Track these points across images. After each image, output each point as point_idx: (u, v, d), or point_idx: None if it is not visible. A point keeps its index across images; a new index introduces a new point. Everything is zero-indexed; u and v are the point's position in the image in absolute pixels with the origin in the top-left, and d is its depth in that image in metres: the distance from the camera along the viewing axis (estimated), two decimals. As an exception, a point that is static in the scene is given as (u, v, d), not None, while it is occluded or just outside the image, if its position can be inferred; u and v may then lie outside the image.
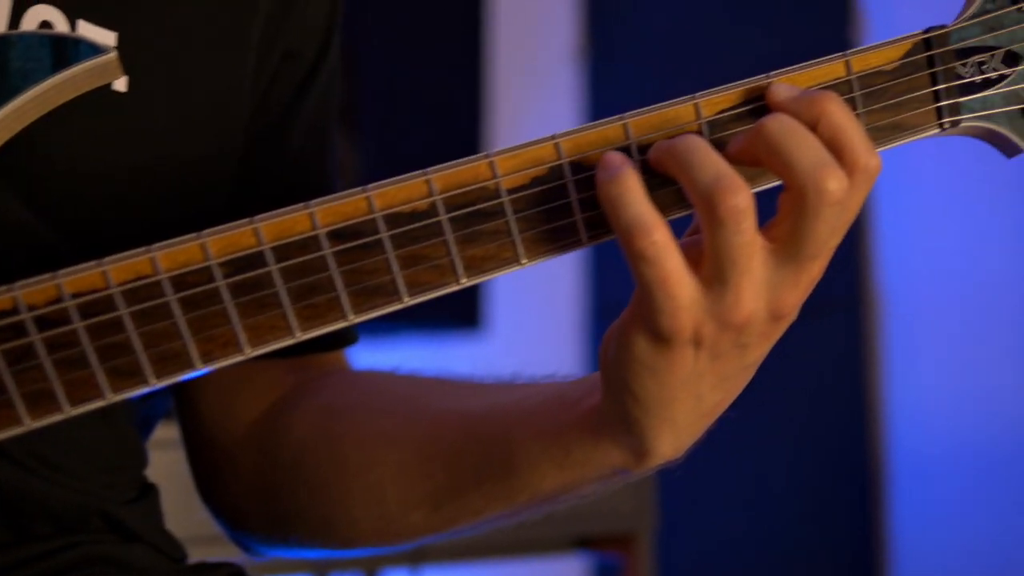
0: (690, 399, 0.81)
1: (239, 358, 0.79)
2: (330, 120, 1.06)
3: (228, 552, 1.09)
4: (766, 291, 0.78)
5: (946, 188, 3.63)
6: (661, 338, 0.78)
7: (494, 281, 3.18)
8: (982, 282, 3.59)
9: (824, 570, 3.67)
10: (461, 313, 3.07)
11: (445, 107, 3.18)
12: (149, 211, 0.91)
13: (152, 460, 1.03)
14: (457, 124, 3.13)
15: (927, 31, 0.83)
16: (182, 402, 1.05)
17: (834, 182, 0.76)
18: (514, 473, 0.88)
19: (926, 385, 3.66)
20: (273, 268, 0.78)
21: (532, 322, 3.21)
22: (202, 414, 1.04)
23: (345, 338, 1.06)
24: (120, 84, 0.91)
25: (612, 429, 0.83)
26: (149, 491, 1.01)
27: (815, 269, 0.79)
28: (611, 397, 0.82)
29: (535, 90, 3.52)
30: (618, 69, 3.57)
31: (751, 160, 0.79)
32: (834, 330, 3.67)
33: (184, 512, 1.13)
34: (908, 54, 0.83)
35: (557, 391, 0.88)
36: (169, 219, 0.85)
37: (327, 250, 0.79)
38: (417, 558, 2.22)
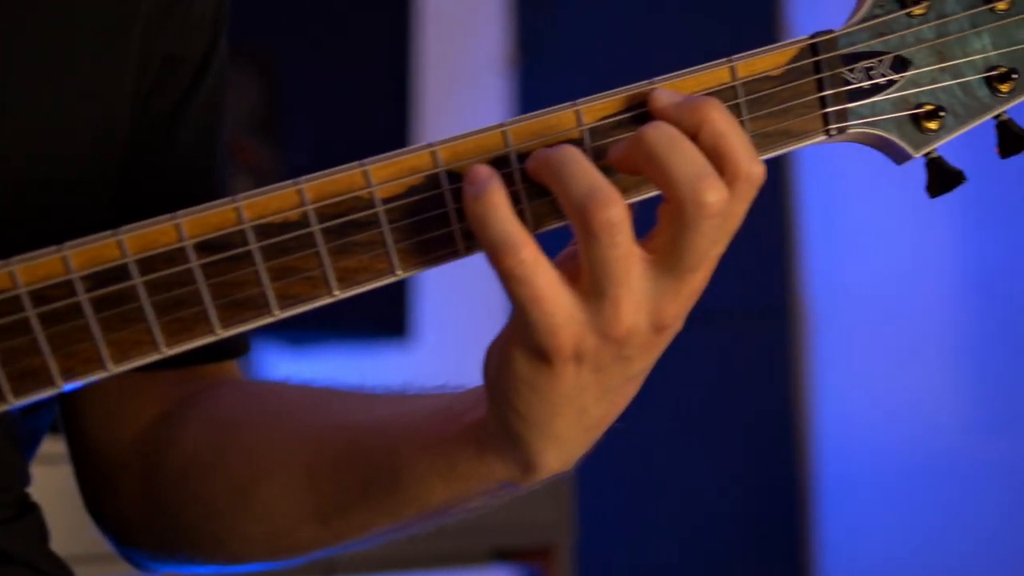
0: (574, 413, 0.79)
1: (102, 374, 0.76)
2: (218, 124, 1.04)
3: (120, 570, 1.06)
4: (646, 303, 0.76)
5: (872, 198, 3.65)
6: (540, 355, 0.76)
7: (423, 290, 3.18)
8: (907, 292, 3.61)
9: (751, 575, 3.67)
10: (389, 323, 3.06)
11: (371, 113, 3.16)
12: (24, 219, 0.88)
13: (43, 475, 1.00)
14: (383, 130, 3.11)
15: (814, 36, 0.82)
16: (67, 414, 1.02)
17: (713, 194, 0.74)
18: (400, 487, 0.86)
19: (852, 394, 3.68)
20: (137, 281, 0.75)
21: (460, 331, 3.19)
22: (87, 426, 1.01)
23: (235, 348, 1.04)
24: None
25: (497, 443, 0.81)
26: (29, 510, 0.98)
27: (697, 280, 0.77)
28: (495, 412, 0.80)
29: (464, 96, 3.51)
30: (548, 75, 3.56)
31: (631, 169, 0.77)
32: (760, 340, 3.67)
33: (76, 529, 1.10)
34: (795, 59, 0.81)
35: (444, 403, 0.86)
36: (45, 228, 0.82)
37: (194, 262, 0.76)
38: (330, 569, 2.19)
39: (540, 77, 3.57)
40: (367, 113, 3.15)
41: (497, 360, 0.78)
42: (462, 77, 3.52)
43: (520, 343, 0.76)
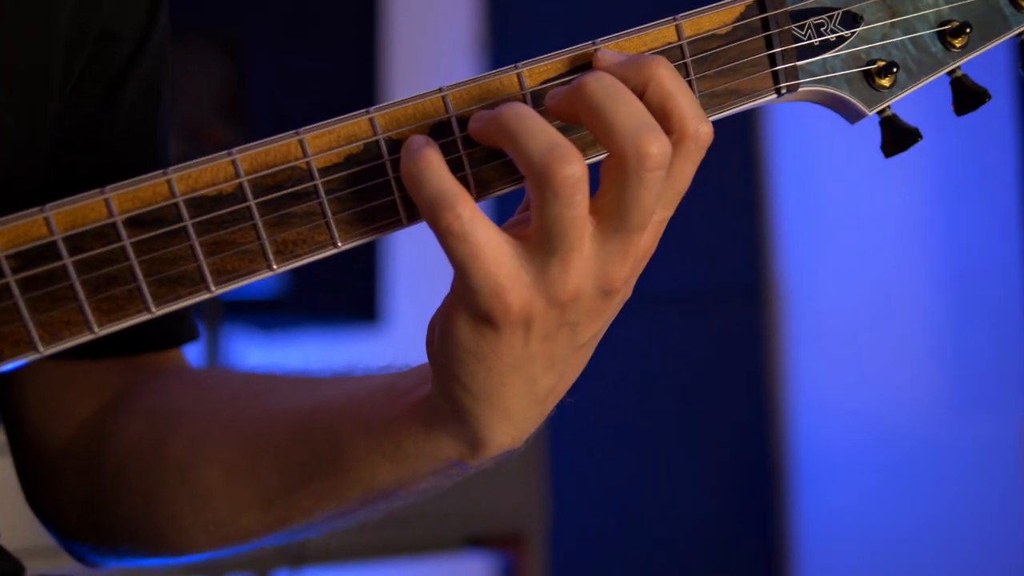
0: (522, 384, 0.76)
1: (33, 356, 0.73)
2: (159, 100, 1.01)
3: (70, 564, 1.04)
4: (594, 266, 0.74)
5: (847, 181, 3.64)
6: (484, 320, 0.74)
7: (392, 275, 3.17)
8: (882, 275, 3.60)
9: (725, 562, 3.66)
10: (360, 307, 3.04)
11: (339, 95, 3.14)
12: None
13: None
14: (352, 111, 3.09)
15: None
16: (6, 405, 0.99)
17: (656, 146, 0.71)
18: (343, 469, 0.83)
19: (826, 377, 3.67)
20: (67, 261, 0.73)
21: (430, 315, 3.18)
22: (27, 418, 0.98)
23: (179, 336, 1.01)
24: None
25: (443, 420, 0.78)
26: None
27: (645, 241, 0.75)
28: (440, 386, 0.77)
29: (434, 78, 3.48)
30: (518, 57, 3.54)
31: (568, 117, 0.74)
32: (735, 322, 3.66)
33: (26, 524, 1.08)
34: (742, 17, 0.79)
35: (387, 382, 0.83)
36: None
37: (125, 239, 0.73)
38: (300, 559, 2.18)
39: (510, 59, 3.55)
40: (335, 95, 3.13)
41: (439, 330, 0.76)
42: (432, 59, 3.50)
43: (463, 309, 0.74)
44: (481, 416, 0.77)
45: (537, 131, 0.72)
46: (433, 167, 0.72)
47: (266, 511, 0.88)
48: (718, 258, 3.66)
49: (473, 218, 0.71)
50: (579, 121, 0.74)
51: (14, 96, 0.91)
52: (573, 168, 0.71)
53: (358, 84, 3.18)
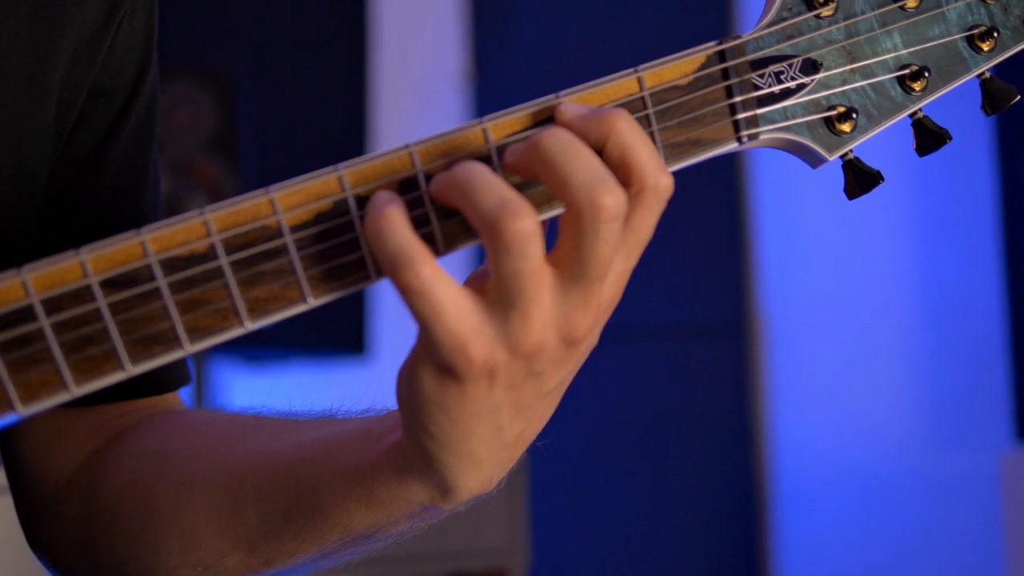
0: (488, 432, 0.77)
1: (12, 416, 0.75)
2: (146, 154, 1.02)
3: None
4: (556, 316, 0.75)
5: (826, 214, 3.66)
6: (447, 373, 0.75)
7: (378, 307, 3.18)
8: (862, 306, 3.62)
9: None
10: (346, 339, 3.05)
11: (328, 130, 3.15)
12: None
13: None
14: (340, 147, 3.10)
15: (720, 42, 0.80)
16: (6, 451, 1.01)
17: (610, 198, 0.72)
18: (322, 513, 0.85)
19: (807, 407, 3.68)
20: (44, 323, 0.74)
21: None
22: (24, 461, 1.00)
23: (171, 382, 1.03)
24: None
25: (414, 466, 0.80)
26: None
27: (606, 291, 0.76)
28: (409, 434, 0.79)
29: (421, 113, 3.50)
30: (503, 90, 3.55)
31: (527, 173, 0.75)
32: (717, 354, 3.68)
33: (23, 559, 1.09)
34: (702, 67, 0.80)
35: (364, 427, 0.85)
36: None
37: (100, 300, 0.74)
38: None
39: (495, 92, 3.56)
40: (324, 131, 3.15)
41: (406, 382, 0.77)
42: (418, 94, 3.51)
43: (427, 361, 0.75)
44: (449, 464, 0.78)
45: (489, 188, 0.73)
46: (394, 225, 0.73)
47: (250, 553, 0.90)
48: (701, 291, 3.68)
49: (432, 276, 0.73)
50: (536, 176, 0.75)
51: (9, 154, 0.92)
52: (523, 223, 0.72)
53: (346, 119, 3.19)
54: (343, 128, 3.17)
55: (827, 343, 3.66)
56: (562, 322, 0.75)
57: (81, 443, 1.00)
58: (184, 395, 1.07)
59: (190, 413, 1.02)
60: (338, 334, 3.06)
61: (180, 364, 1.04)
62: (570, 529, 3.54)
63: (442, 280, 0.73)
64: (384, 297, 3.21)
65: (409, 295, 0.73)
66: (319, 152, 3.00)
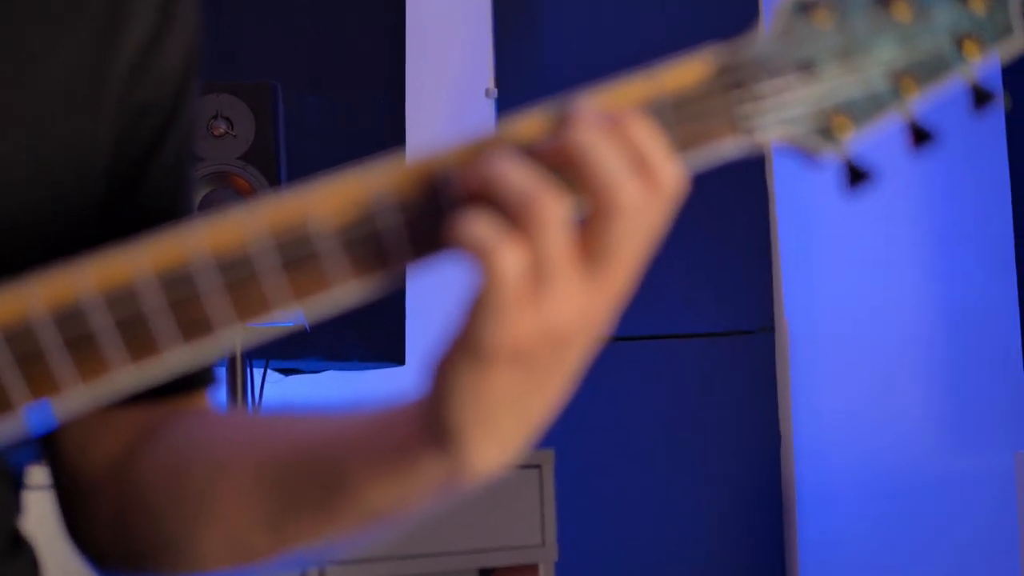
0: (512, 412, 0.83)
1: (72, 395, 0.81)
2: (187, 168, 1.07)
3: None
4: (581, 299, 0.81)
5: (847, 223, 3.68)
6: (482, 355, 0.80)
7: (410, 316, 3.21)
8: (882, 314, 3.64)
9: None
10: (385, 350, 3.08)
11: (364, 142, 3.20)
12: (4, 268, 0.92)
13: (36, 508, 1.03)
14: (377, 157, 3.15)
15: (724, 48, 0.86)
16: (46, 444, 1.06)
17: (635, 193, 0.79)
18: (344, 493, 0.90)
19: (830, 415, 3.70)
20: (101, 316, 0.80)
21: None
22: (63, 456, 1.05)
23: (200, 380, 1.08)
24: None
25: (435, 445, 0.85)
26: (21, 544, 1.02)
27: (623, 277, 0.82)
28: (432, 414, 0.84)
29: (449, 129, 3.55)
30: (532, 103, 3.60)
31: (553, 163, 0.81)
32: (740, 362, 3.70)
33: (69, 562, 1.14)
34: (706, 73, 0.85)
35: (384, 412, 0.90)
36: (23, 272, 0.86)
37: (156, 296, 0.80)
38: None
39: (524, 104, 3.61)
40: (360, 143, 3.20)
41: (438, 365, 0.82)
42: (448, 110, 3.56)
43: (463, 340, 0.80)
44: (472, 442, 0.84)
45: (519, 174, 0.80)
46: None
47: (276, 532, 0.95)
48: (725, 300, 3.71)
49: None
50: (561, 169, 0.81)
51: (71, 168, 0.98)
52: (558, 206, 0.78)
53: (382, 129, 3.24)
54: (379, 139, 3.22)
55: (848, 350, 3.69)
56: (586, 307, 0.81)
57: (115, 439, 1.04)
58: (219, 404, 1.13)
59: (221, 411, 1.08)
60: (376, 345, 3.09)
61: (208, 366, 1.09)
62: (598, 526, 3.57)
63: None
64: (422, 308, 3.25)
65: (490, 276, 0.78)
66: (355, 163, 3.05)
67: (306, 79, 3.25)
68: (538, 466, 2.56)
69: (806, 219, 3.77)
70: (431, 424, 0.85)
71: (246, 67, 3.18)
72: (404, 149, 3.20)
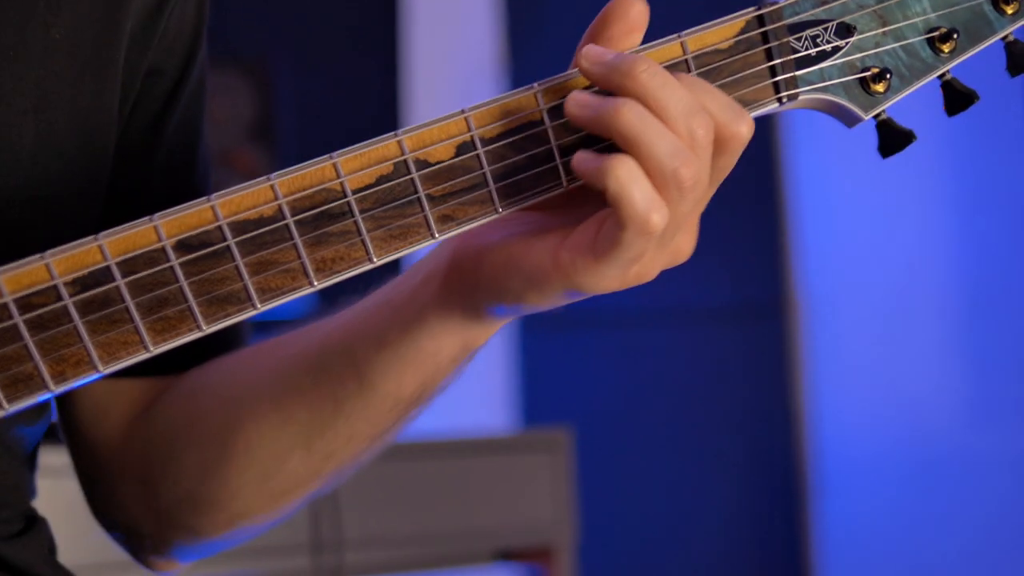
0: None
1: (94, 375, 0.79)
2: (198, 135, 1.06)
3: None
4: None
5: (867, 192, 3.67)
6: (609, 276, 0.81)
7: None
8: (903, 286, 3.63)
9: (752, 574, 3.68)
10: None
11: (365, 117, 3.19)
12: (11, 237, 0.90)
13: (49, 487, 1.02)
14: (376, 133, 3.14)
15: (759, 8, 0.85)
16: (62, 417, 1.05)
17: (689, 170, 0.80)
18: (370, 388, 0.90)
19: (849, 389, 3.69)
20: (120, 283, 0.78)
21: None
22: (79, 426, 1.04)
23: (227, 345, 1.06)
24: None
25: (460, 312, 0.87)
26: (36, 523, 1.00)
27: (681, 239, 0.84)
28: (469, 293, 0.86)
29: (455, 98, 3.53)
30: (538, 77, 3.58)
31: (594, 129, 0.81)
32: (758, 336, 3.69)
33: (83, 540, 1.12)
34: (742, 31, 0.84)
35: (382, 298, 0.90)
36: (33, 245, 0.85)
37: (174, 261, 0.79)
38: (337, 572, 2.23)
39: (528, 79, 3.58)
40: (360, 117, 3.18)
41: (528, 265, 0.83)
42: (453, 81, 3.55)
43: (583, 257, 0.81)
44: (514, 311, 0.86)
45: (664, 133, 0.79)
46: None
47: (308, 451, 0.94)
48: (741, 273, 3.70)
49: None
50: (612, 140, 0.80)
51: (81, 134, 0.96)
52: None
53: (382, 104, 3.23)
54: (379, 114, 3.20)
55: (868, 323, 3.68)
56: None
57: (130, 403, 1.03)
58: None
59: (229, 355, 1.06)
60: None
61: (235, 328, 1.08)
62: (615, 507, 3.57)
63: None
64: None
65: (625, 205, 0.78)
66: (356, 138, 3.04)
67: (304, 54, 3.23)
68: (556, 446, 2.55)
69: (823, 183, 3.74)
70: (462, 299, 0.86)
71: (244, 44, 3.15)
72: (403, 120, 3.18)
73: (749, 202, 3.69)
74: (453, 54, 3.56)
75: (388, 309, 0.89)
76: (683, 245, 0.84)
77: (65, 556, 1.03)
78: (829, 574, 3.65)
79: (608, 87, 0.80)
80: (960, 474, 3.50)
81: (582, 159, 0.80)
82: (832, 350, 3.71)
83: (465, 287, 0.86)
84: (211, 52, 1.02)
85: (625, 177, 0.78)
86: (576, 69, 0.83)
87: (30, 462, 1.02)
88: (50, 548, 1.02)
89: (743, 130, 0.81)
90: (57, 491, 1.18)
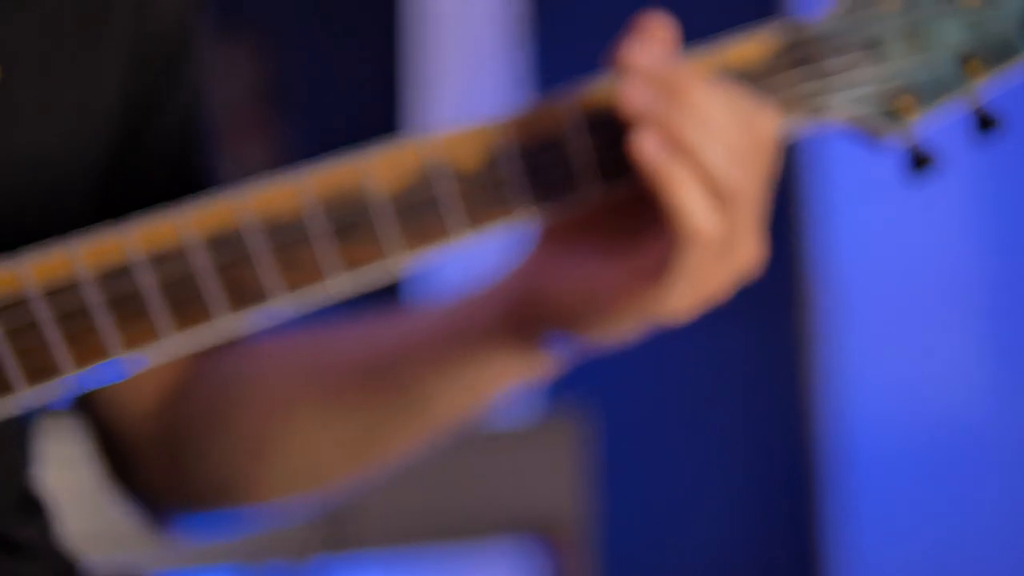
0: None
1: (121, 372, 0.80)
2: (199, 109, 1.04)
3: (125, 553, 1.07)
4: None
5: (879, 176, 3.64)
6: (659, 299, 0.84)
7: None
8: (926, 265, 3.62)
9: (762, 558, 3.70)
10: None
11: (369, 88, 3.18)
12: (12, 203, 0.91)
13: (49, 464, 1.02)
14: (382, 104, 3.13)
15: (792, 27, 0.85)
16: (82, 406, 1.03)
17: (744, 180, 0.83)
18: (418, 408, 0.91)
19: (872, 372, 3.69)
20: (147, 277, 0.79)
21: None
22: (99, 410, 1.03)
23: None
24: None
25: (520, 343, 0.87)
26: (34, 505, 1.00)
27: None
28: (537, 320, 0.87)
29: (476, 68, 3.51)
30: (563, 51, 3.56)
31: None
32: (771, 322, 3.69)
33: (83, 518, 1.13)
34: (775, 50, 0.85)
35: (443, 318, 0.91)
36: (30, 223, 0.85)
37: (202, 257, 0.80)
38: (340, 544, 2.23)
39: (550, 53, 3.56)
40: (366, 88, 3.18)
41: (602, 296, 0.84)
42: (466, 50, 3.53)
43: (644, 278, 0.83)
44: (584, 341, 0.87)
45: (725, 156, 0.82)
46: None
47: (344, 459, 0.95)
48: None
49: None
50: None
51: (79, 116, 0.96)
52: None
53: (389, 76, 3.22)
54: (385, 85, 3.19)
55: (891, 303, 3.67)
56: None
57: (154, 389, 1.02)
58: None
59: (269, 339, 1.04)
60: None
61: None
62: (634, 493, 3.58)
63: None
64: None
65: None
66: (362, 108, 3.03)
67: (307, 23, 3.22)
68: (575, 428, 2.56)
69: (836, 172, 3.73)
70: (529, 316, 0.86)
71: (245, 12, 3.14)
72: (410, 94, 3.17)
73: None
74: (468, 23, 3.55)
75: (451, 333, 0.89)
76: (747, 254, 0.86)
77: (64, 533, 1.03)
78: (847, 556, 3.65)
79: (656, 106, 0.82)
80: (986, 456, 3.50)
81: (644, 145, 0.81)
82: (855, 331, 3.69)
83: (531, 319, 0.87)
84: (215, 22, 1.02)
85: (679, 184, 0.80)
86: (613, 72, 0.83)
87: (30, 440, 1.01)
88: (49, 525, 1.01)
89: (774, 131, 0.83)
90: (57, 468, 1.17)
